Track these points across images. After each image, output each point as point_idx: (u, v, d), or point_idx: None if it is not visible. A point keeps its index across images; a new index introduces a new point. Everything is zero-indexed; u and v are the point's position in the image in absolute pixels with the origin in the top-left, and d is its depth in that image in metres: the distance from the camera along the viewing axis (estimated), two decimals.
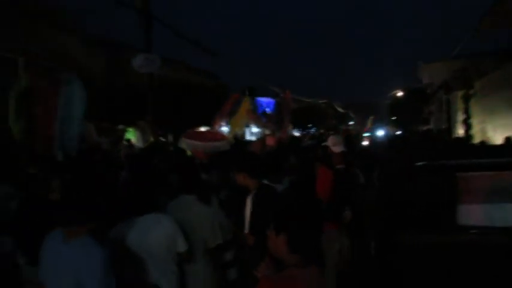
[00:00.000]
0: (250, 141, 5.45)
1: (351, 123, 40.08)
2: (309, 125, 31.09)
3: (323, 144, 5.91)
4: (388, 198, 3.76)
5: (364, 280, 4.02)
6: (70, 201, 2.24)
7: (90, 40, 14.29)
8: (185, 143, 4.37)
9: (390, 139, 14.75)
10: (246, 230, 3.28)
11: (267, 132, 33.41)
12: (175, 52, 21.79)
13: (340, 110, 37.92)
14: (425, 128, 22.55)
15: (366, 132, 28.58)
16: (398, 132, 22.38)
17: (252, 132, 31.21)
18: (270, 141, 4.79)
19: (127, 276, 2.63)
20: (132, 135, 13.36)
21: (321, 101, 34.33)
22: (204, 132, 4.80)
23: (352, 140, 10.10)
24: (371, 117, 31.29)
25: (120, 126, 13.62)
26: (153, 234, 2.81)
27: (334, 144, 4.43)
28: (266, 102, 35.05)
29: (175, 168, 3.88)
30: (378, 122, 37.76)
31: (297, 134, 33.26)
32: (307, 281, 1.73)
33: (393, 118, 26.91)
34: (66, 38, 13.20)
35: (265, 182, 3.47)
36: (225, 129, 9.20)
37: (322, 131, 32.87)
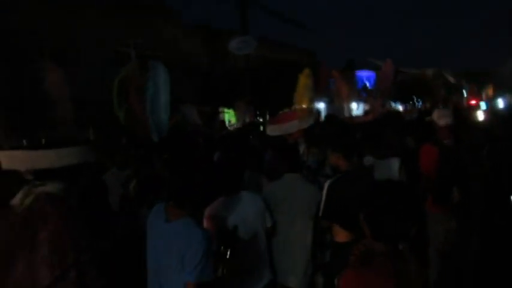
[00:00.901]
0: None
1: (464, 94, 36.04)
2: (414, 98, 28.76)
3: (427, 118, 5.38)
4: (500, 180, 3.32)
5: (468, 262, 3.66)
6: (178, 181, 2.24)
7: (190, 27, 15.11)
8: (269, 129, 4.34)
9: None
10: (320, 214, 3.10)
11: (367, 108, 31.87)
12: (272, 31, 21.96)
13: (450, 79, 34.24)
14: None
15: (482, 102, 25.31)
16: None
17: (352, 108, 30.15)
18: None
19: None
20: (231, 117, 13.95)
21: (428, 72, 31.40)
22: (286, 113, 4.61)
23: (461, 113, 9.07)
24: (490, 86, 27.70)
25: (221, 109, 14.30)
26: (250, 211, 2.93)
27: (440, 117, 3.98)
28: (366, 76, 33.28)
29: (270, 146, 3.93)
30: (498, 92, 33.24)
31: (400, 108, 31.12)
32: (395, 274, 1.57)
33: None
34: (169, 27, 14.16)
35: (361, 162, 3.31)
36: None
37: (428, 104, 30.10)
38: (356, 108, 28.69)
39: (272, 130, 4.31)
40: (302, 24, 13.79)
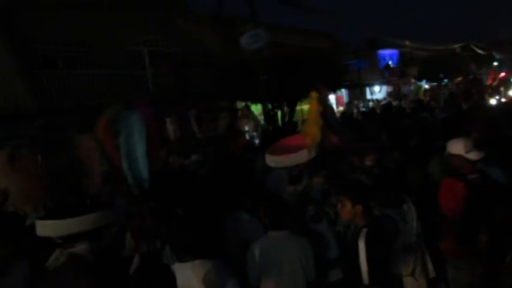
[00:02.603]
0: None
1: (495, 64, 34.15)
2: (441, 75, 27.42)
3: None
4: None
5: None
6: None
7: (202, 18, 14.72)
8: (271, 161, 3.78)
9: None
10: (365, 281, 2.62)
11: (390, 89, 30.59)
12: (284, 17, 21.25)
13: (480, 52, 32.46)
14: None
15: None
16: None
17: (374, 91, 29.02)
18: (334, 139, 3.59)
19: None
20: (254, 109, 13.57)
21: (455, 45, 29.90)
22: (289, 141, 3.98)
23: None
24: None
25: (238, 104, 13.96)
26: None
27: (463, 147, 3.22)
28: (389, 55, 32.05)
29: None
30: None
31: (426, 86, 29.80)
32: None
33: None
34: (180, 20, 13.82)
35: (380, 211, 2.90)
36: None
37: (459, 79, 28.56)
38: (378, 91, 27.87)
39: (276, 162, 3.69)
40: (310, 7, 13.14)
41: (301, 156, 3.48)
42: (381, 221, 2.75)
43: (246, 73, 12.29)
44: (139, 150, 2.70)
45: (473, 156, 3.21)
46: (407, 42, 27.49)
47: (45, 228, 2.03)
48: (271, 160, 3.70)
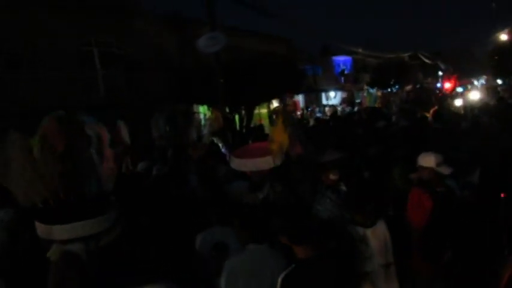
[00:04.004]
0: None
1: (440, 74, 36.22)
2: (392, 82, 28.63)
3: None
4: None
5: None
6: None
7: (158, 20, 14.30)
8: (236, 164, 3.60)
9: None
10: None
11: (344, 95, 31.42)
12: (243, 21, 21.22)
13: (427, 61, 34.31)
14: None
15: (459, 88, 25.07)
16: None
17: (329, 96, 29.71)
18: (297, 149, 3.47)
19: None
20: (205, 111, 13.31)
21: (404, 54, 31.35)
22: (256, 146, 3.83)
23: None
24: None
25: (196, 107, 13.68)
26: None
27: (438, 163, 3.18)
28: (343, 61, 33.05)
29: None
30: (474, 73, 33.42)
31: (378, 93, 30.98)
32: None
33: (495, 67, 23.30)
34: (135, 22, 13.33)
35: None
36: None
37: (409, 87, 29.94)
38: (334, 97, 28.58)
39: (240, 165, 3.53)
40: (264, 10, 13.18)
41: (265, 163, 3.33)
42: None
43: (204, 76, 12.07)
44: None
45: (443, 170, 3.20)
46: (360, 50, 28.44)
47: (49, 231, 2.04)
48: (234, 162, 3.53)
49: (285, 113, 3.56)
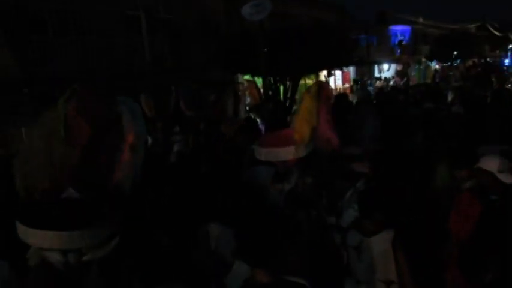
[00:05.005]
0: None
1: (510, 46, 32.88)
2: (454, 55, 26.35)
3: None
4: None
5: None
6: None
7: None
8: (258, 153, 3.22)
9: None
10: None
11: (399, 68, 29.60)
12: None
13: (496, 33, 31.19)
14: None
15: None
16: None
17: (383, 69, 28.01)
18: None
19: None
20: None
21: (471, 25, 28.67)
22: (282, 134, 3.36)
23: None
24: None
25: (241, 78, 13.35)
26: None
27: (501, 170, 2.71)
28: (401, 31, 30.85)
29: None
30: None
31: (437, 66, 28.78)
32: None
33: None
34: None
35: None
36: None
37: (470, 62, 27.44)
38: (387, 69, 26.96)
39: (262, 154, 3.21)
40: None
41: (286, 153, 2.97)
42: None
43: (248, 45, 11.65)
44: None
45: (505, 178, 2.69)
46: (420, 19, 26.37)
47: (25, 233, 1.76)
48: (258, 152, 3.20)
49: (320, 93, 3.09)
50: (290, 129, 3.24)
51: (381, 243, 2.44)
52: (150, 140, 5.55)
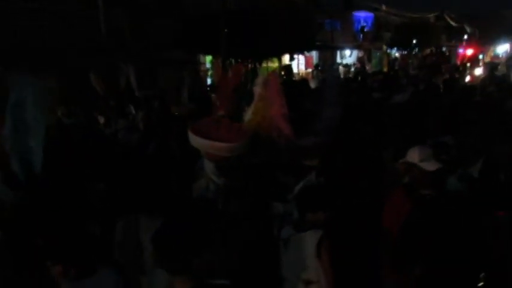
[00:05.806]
0: None
1: (465, 37, 34.29)
2: (413, 44, 27.11)
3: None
4: None
5: None
6: None
7: None
8: (195, 141, 2.98)
9: None
10: None
11: (360, 54, 29.93)
12: None
13: (452, 23, 32.39)
14: None
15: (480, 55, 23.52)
16: None
17: (345, 55, 28.37)
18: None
19: None
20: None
21: (430, 15, 29.56)
22: (225, 126, 3.04)
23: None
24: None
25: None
26: None
27: (424, 157, 2.71)
28: (364, 17, 31.23)
29: None
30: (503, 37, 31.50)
31: (396, 54, 29.56)
32: None
33: None
34: None
35: None
36: None
37: (428, 51, 28.39)
38: (349, 55, 27.36)
39: (199, 144, 2.84)
40: None
41: (228, 150, 2.81)
42: None
43: (210, 25, 11.38)
44: (36, 138, 2.04)
45: (427, 166, 2.69)
46: (383, 7, 26.83)
47: None
48: (196, 141, 2.97)
49: (268, 83, 2.97)
50: (228, 119, 3.06)
51: (307, 240, 2.41)
52: (102, 119, 5.37)
